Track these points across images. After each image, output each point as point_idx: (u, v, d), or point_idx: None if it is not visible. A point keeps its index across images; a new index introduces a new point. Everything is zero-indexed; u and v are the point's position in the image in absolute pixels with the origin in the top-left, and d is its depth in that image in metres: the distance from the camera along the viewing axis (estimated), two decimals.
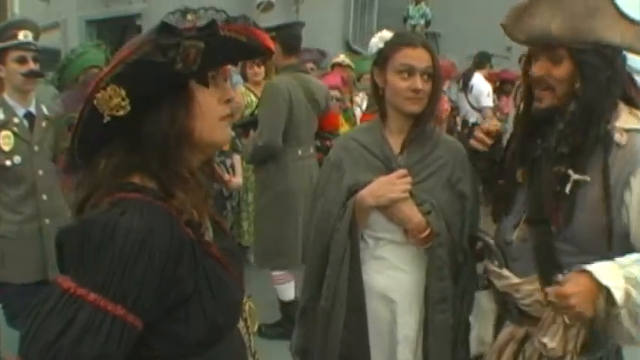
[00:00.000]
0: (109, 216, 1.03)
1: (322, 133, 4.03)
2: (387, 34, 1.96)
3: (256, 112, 3.97)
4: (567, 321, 1.50)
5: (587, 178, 1.53)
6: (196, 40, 1.05)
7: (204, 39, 1.06)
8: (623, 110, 1.57)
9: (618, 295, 1.38)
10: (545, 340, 1.57)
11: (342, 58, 6.09)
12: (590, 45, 1.49)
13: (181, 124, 1.11)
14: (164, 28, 1.03)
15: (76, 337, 0.96)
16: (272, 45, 1.20)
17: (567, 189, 1.55)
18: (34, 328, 0.97)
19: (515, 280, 1.67)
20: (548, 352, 1.57)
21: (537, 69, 1.59)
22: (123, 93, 1.04)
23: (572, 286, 1.42)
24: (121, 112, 1.05)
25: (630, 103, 1.59)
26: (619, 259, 1.46)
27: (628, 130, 1.53)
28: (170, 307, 1.10)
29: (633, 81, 1.62)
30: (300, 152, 3.72)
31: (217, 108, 1.19)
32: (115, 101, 1.04)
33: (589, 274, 1.41)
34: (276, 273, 3.84)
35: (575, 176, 1.55)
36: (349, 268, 1.92)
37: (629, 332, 1.45)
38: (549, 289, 1.47)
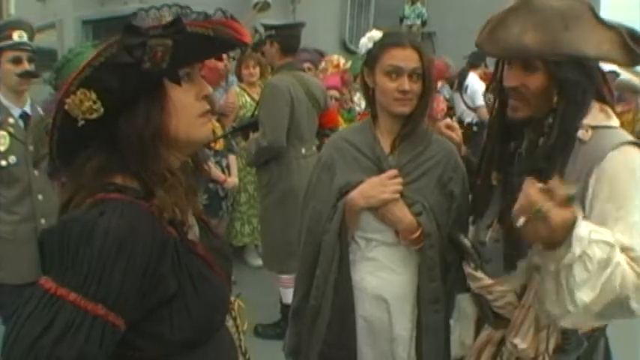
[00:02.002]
0: (88, 217, 1.03)
1: (322, 131, 4.02)
2: (376, 34, 1.94)
3: (255, 113, 3.94)
4: (519, 224, 1.29)
5: None
6: (163, 39, 1.04)
7: (171, 36, 1.05)
8: (594, 107, 1.53)
9: (577, 250, 1.26)
10: (517, 341, 1.55)
11: (336, 58, 6.05)
12: (566, 57, 1.43)
13: (156, 123, 1.11)
14: (129, 28, 1.03)
15: (56, 337, 0.96)
16: (247, 38, 1.18)
17: None
18: (17, 330, 0.97)
19: (488, 281, 1.65)
20: (520, 353, 1.55)
21: (510, 79, 1.53)
22: (93, 96, 1.04)
23: (557, 212, 1.26)
24: (95, 115, 1.05)
25: (602, 99, 1.55)
26: (594, 229, 1.31)
27: (594, 127, 1.49)
28: (153, 306, 1.10)
29: (605, 78, 1.58)
30: (303, 151, 3.69)
31: (194, 105, 1.18)
32: (86, 105, 1.04)
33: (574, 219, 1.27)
34: (284, 276, 3.79)
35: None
36: (337, 270, 1.92)
37: (545, 299, 1.38)
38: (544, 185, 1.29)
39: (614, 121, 1.54)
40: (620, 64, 1.53)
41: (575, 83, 1.46)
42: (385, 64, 1.87)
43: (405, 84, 1.84)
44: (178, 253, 1.14)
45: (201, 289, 1.17)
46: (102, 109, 1.05)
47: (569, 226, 1.26)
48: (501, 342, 1.66)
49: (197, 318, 1.15)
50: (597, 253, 1.30)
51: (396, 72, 1.85)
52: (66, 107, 1.05)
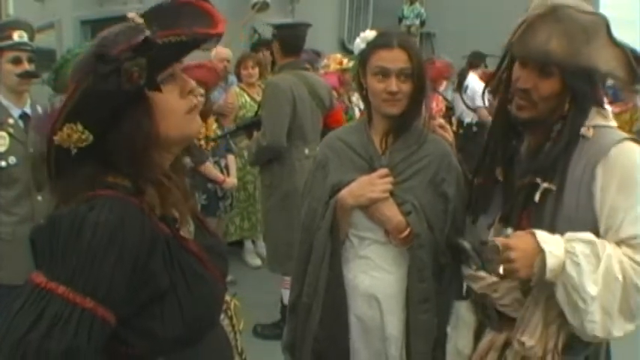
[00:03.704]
0: (78, 211, 1.05)
1: (328, 131, 3.98)
2: (369, 34, 1.94)
3: (259, 112, 3.92)
4: (501, 272, 1.52)
5: (554, 187, 1.58)
6: (135, 59, 1.05)
7: (144, 54, 1.06)
8: (593, 110, 1.63)
9: (550, 261, 1.46)
10: (524, 338, 1.56)
11: (339, 56, 5.99)
12: (583, 69, 1.54)
13: (146, 131, 1.12)
14: (100, 58, 1.03)
15: (45, 330, 0.98)
16: (221, 27, 1.15)
17: (536, 197, 1.60)
18: (7, 324, 0.99)
19: (492, 279, 1.67)
20: (528, 351, 1.56)
21: (524, 81, 1.60)
22: (80, 127, 1.06)
23: (517, 241, 1.51)
24: (85, 144, 1.07)
25: (598, 104, 1.66)
26: (569, 234, 1.51)
27: (595, 127, 1.60)
28: (145, 302, 1.11)
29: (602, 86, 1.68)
30: (307, 151, 3.64)
31: (180, 103, 1.19)
32: (75, 137, 1.06)
33: (533, 235, 1.50)
34: (287, 278, 3.73)
35: (544, 185, 1.59)
36: (328, 266, 1.92)
37: (565, 310, 1.50)
38: (498, 239, 1.53)
39: (612, 122, 1.66)
40: (622, 82, 1.62)
41: (586, 94, 1.59)
42: (373, 66, 1.87)
43: (393, 85, 1.83)
44: (170, 250, 1.15)
45: (193, 285, 1.18)
46: (91, 137, 1.07)
47: (536, 243, 1.49)
48: (504, 346, 1.67)
49: (189, 315, 1.16)
50: (578, 247, 1.47)
51: (383, 73, 1.85)
52: (56, 143, 1.07)
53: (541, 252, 1.47)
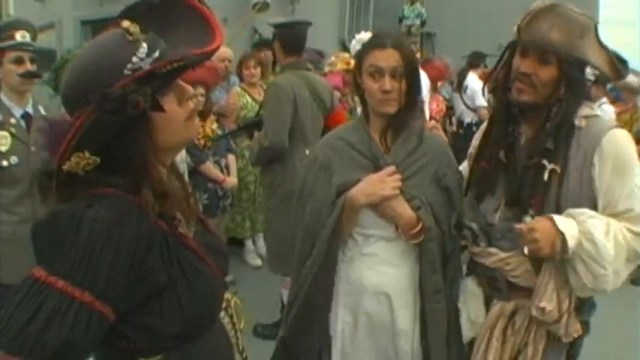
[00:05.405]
0: (76, 208, 1.08)
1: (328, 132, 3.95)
2: (364, 36, 1.99)
3: (260, 112, 3.91)
4: (526, 252, 1.75)
5: (558, 169, 1.81)
6: (141, 89, 1.07)
7: (148, 84, 1.08)
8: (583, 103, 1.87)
9: (571, 242, 1.67)
10: (543, 304, 1.76)
11: (347, 56, 5.91)
12: (576, 59, 1.78)
13: (145, 149, 1.15)
14: (106, 95, 1.05)
15: (43, 322, 0.99)
16: (219, 39, 1.17)
17: (545, 177, 1.81)
18: (6, 317, 1.01)
19: (504, 254, 1.89)
20: (546, 315, 1.77)
21: (526, 66, 1.81)
22: (87, 154, 1.08)
23: (538, 225, 1.72)
24: (92, 167, 1.10)
25: (586, 97, 1.91)
26: (574, 210, 1.73)
27: (586, 117, 1.83)
28: (143, 298, 1.12)
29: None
30: (307, 152, 3.58)
31: (179, 112, 1.20)
32: (83, 163, 1.09)
33: (552, 220, 1.70)
34: (288, 278, 3.75)
35: (550, 166, 1.81)
36: (325, 254, 1.96)
37: (582, 280, 1.71)
38: (522, 225, 1.75)
39: (598, 111, 1.99)
40: (608, 78, 1.89)
41: (579, 80, 1.82)
42: (367, 65, 1.92)
43: (387, 83, 1.87)
44: (168, 246, 1.16)
45: (193, 282, 1.19)
46: (98, 160, 1.10)
47: (554, 227, 1.69)
48: (513, 313, 1.90)
49: (189, 311, 1.18)
50: (589, 222, 1.68)
51: (377, 72, 1.89)
52: (64, 170, 1.09)
53: (560, 234, 1.67)
